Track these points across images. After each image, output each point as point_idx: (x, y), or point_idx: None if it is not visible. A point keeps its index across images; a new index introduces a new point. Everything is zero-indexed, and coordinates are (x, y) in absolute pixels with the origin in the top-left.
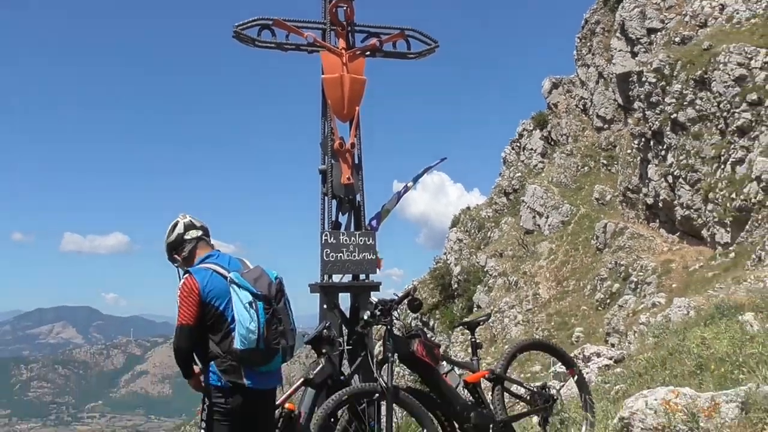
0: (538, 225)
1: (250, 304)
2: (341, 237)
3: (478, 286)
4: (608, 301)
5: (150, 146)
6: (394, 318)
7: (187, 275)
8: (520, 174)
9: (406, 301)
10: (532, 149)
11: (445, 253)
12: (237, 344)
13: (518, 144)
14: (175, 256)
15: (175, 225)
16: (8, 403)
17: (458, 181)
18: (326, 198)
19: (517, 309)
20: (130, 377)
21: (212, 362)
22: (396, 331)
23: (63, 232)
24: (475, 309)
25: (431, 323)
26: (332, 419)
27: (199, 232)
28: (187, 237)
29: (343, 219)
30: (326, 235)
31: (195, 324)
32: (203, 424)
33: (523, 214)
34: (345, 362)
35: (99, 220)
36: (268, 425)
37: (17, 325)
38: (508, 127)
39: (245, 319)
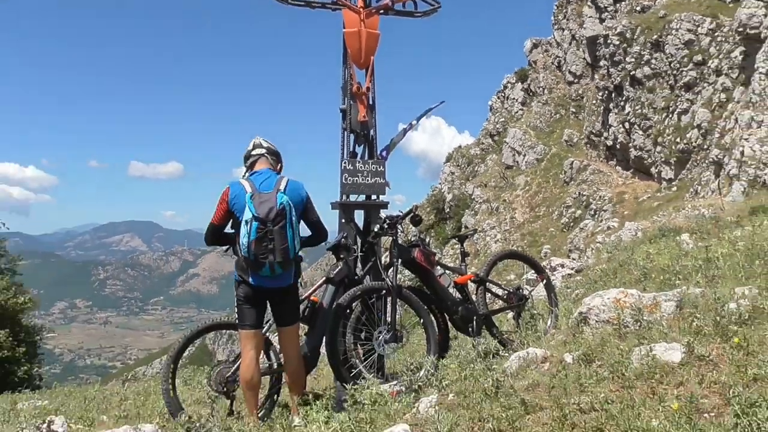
0: (517, 161)
1: (247, 222)
2: (357, 164)
3: (466, 210)
4: (571, 224)
5: (199, 90)
6: (398, 230)
7: (226, 186)
8: (503, 119)
9: (409, 217)
10: (514, 99)
11: (439, 184)
12: (241, 250)
13: (503, 94)
14: (245, 165)
15: (251, 142)
16: (90, 297)
17: (452, 124)
18: (345, 132)
19: (497, 229)
20: (184, 278)
21: (236, 258)
22: (400, 241)
23: (129, 160)
24: (463, 228)
25: (427, 240)
26: (348, 310)
27: (263, 151)
28: (252, 153)
29: (358, 150)
30: (345, 163)
31: (219, 224)
32: (236, 307)
33: (504, 152)
34: (359, 266)
35: (159, 151)
36: (283, 313)
37: (94, 235)
38: (494, 80)
39: (242, 232)
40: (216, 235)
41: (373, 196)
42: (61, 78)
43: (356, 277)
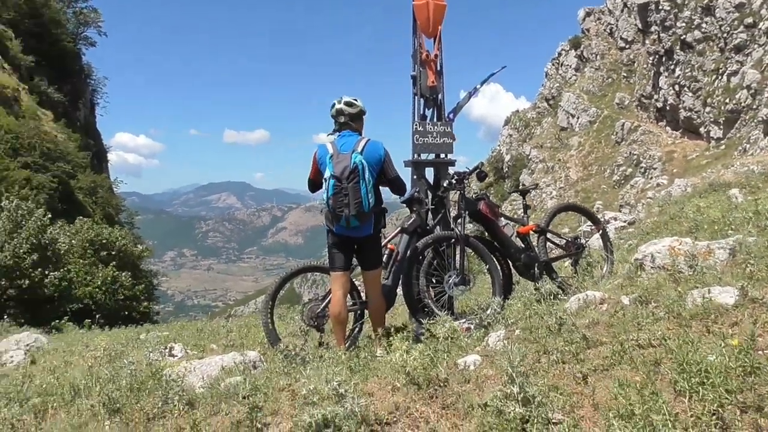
0: (571, 124)
1: (326, 179)
2: (427, 126)
3: (523, 169)
4: (622, 181)
5: (280, 62)
6: (465, 185)
7: (316, 148)
8: (557, 84)
9: (475, 173)
10: (568, 65)
11: (498, 146)
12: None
13: (557, 61)
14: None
15: (333, 106)
16: (194, 247)
17: (509, 90)
18: (416, 97)
19: (552, 187)
20: (274, 231)
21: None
22: (467, 195)
23: (224, 128)
24: (520, 186)
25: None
26: (421, 256)
27: (346, 118)
28: (337, 119)
29: (428, 113)
30: (416, 125)
31: (313, 178)
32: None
33: (559, 115)
34: (429, 217)
35: (248, 120)
36: (365, 259)
37: (197, 194)
38: (549, 48)
39: (324, 188)
40: (314, 186)
41: (442, 155)
42: (164, 58)
43: (427, 228)
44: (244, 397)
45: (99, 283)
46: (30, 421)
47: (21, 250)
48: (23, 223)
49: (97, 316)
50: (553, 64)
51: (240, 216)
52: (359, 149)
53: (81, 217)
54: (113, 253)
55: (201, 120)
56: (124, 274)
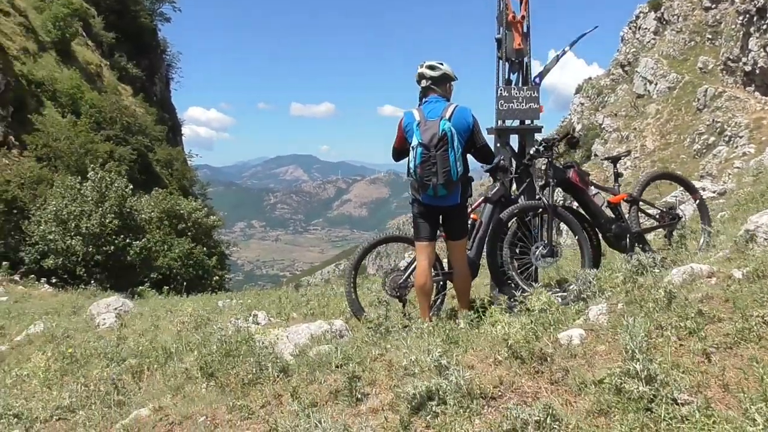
0: (648, 90)
1: (414, 147)
2: (512, 91)
3: (596, 139)
4: (704, 151)
5: (344, 32)
6: (554, 153)
7: (402, 114)
8: (634, 49)
9: (565, 139)
10: (646, 28)
11: (569, 114)
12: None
13: (634, 24)
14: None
15: (418, 72)
16: (263, 218)
17: (581, 57)
18: (501, 61)
19: (627, 157)
20: (339, 203)
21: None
22: (554, 163)
23: (290, 102)
24: (593, 157)
25: None
26: (505, 227)
27: (429, 83)
28: (421, 85)
29: (513, 77)
30: (501, 90)
31: (398, 147)
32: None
33: (636, 81)
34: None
35: (314, 93)
36: (451, 229)
37: (265, 167)
38: (624, 11)
39: (411, 157)
40: (399, 155)
41: (527, 121)
42: (234, 33)
43: (511, 197)
44: (337, 366)
45: (176, 255)
46: (129, 380)
47: (106, 219)
48: (107, 193)
49: (174, 284)
50: (629, 28)
51: (306, 188)
52: (447, 116)
53: (158, 189)
54: (189, 224)
55: (269, 94)
56: (198, 246)
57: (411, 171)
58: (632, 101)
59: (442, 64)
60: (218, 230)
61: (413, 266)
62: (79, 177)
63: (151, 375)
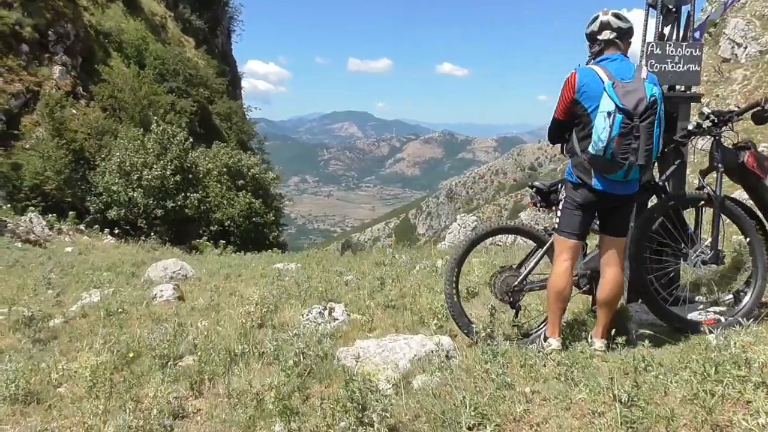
0: (736, 54)
1: (609, 114)
2: (667, 48)
3: None
4: None
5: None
6: (727, 129)
7: (572, 72)
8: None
9: (751, 112)
10: None
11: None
12: (589, 147)
13: None
14: (586, 46)
15: (594, 20)
16: (317, 174)
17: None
18: (650, 9)
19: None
20: (392, 161)
21: (571, 157)
22: (723, 143)
23: (348, 57)
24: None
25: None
26: (653, 222)
27: (613, 35)
28: (599, 37)
29: (666, 30)
30: (652, 47)
31: (564, 118)
32: (558, 209)
33: (722, 44)
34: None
35: (372, 49)
36: (616, 222)
37: (321, 123)
38: None
39: (599, 127)
40: (560, 131)
41: (682, 87)
42: None
43: (656, 184)
44: (469, 429)
45: (237, 210)
46: (185, 394)
47: (167, 172)
48: (168, 146)
49: (231, 238)
50: None
51: (360, 145)
52: (645, 77)
53: (218, 142)
54: (247, 180)
55: (327, 48)
56: (258, 201)
57: (595, 146)
58: (717, 66)
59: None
60: (275, 185)
61: (532, 264)
62: (142, 128)
63: (212, 388)
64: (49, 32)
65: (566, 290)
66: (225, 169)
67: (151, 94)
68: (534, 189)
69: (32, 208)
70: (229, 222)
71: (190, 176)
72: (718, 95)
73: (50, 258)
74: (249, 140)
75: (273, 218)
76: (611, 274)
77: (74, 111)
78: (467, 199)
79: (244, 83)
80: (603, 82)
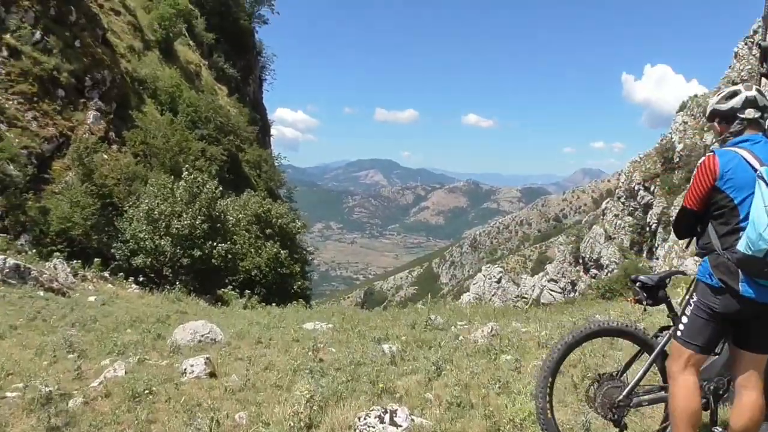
0: None
1: (764, 207)
2: None
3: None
4: None
5: (434, 41)
6: None
7: (709, 155)
8: (749, 66)
9: None
10: None
11: (670, 133)
12: (741, 246)
13: (751, 40)
14: (716, 124)
15: (734, 94)
16: (341, 220)
17: (679, 72)
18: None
19: None
20: (416, 210)
21: (708, 255)
22: None
23: (375, 107)
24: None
25: (652, 189)
26: None
27: (757, 114)
28: (741, 115)
29: None
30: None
31: (699, 210)
32: (684, 314)
33: None
34: None
35: (398, 100)
36: (761, 339)
37: (346, 170)
38: (733, 25)
39: (762, 222)
40: (692, 224)
41: None
42: (326, 36)
43: None
44: None
45: (264, 259)
46: None
47: (196, 221)
48: (198, 194)
49: (256, 288)
50: (745, 43)
51: (385, 193)
52: None
53: (249, 190)
54: (275, 230)
55: (355, 98)
56: (284, 252)
57: (758, 245)
58: None
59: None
60: (302, 235)
61: (640, 374)
62: (172, 176)
63: None
64: (86, 78)
65: (699, 411)
66: (254, 218)
67: (182, 141)
68: (638, 284)
69: (57, 253)
70: (255, 271)
71: (218, 225)
72: None
73: (73, 309)
74: (278, 188)
75: (298, 268)
76: (751, 398)
77: (105, 156)
78: (491, 249)
79: (272, 130)
80: (755, 169)
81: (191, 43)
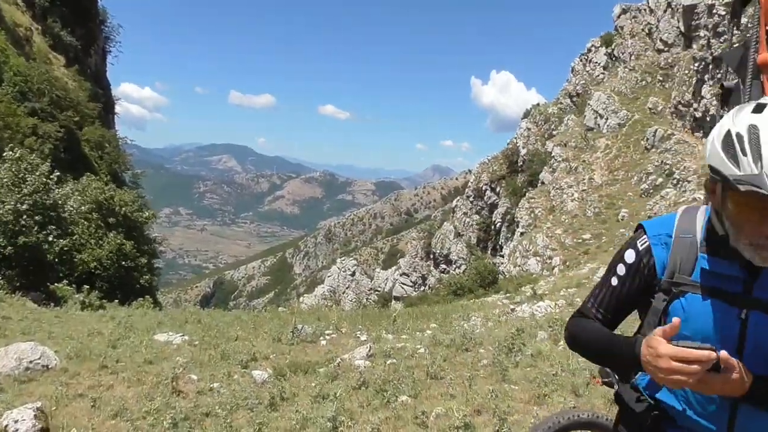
0: (599, 124)
1: None
2: None
3: (544, 167)
4: (651, 191)
5: (297, 31)
6: None
7: None
8: (584, 81)
9: None
10: (596, 62)
11: (515, 138)
12: None
13: (585, 57)
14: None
15: None
16: (190, 206)
17: (521, 80)
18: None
19: (575, 188)
20: (271, 198)
21: None
22: None
23: (230, 89)
24: (539, 184)
25: (498, 189)
26: None
27: None
28: None
29: None
30: None
31: None
32: None
33: (587, 114)
34: None
35: (255, 83)
36: None
37: (198, 154)
38: (570, 41)
39: None
40: None
41: None
42: (175, 9)
43: None
44: None
45: (106, 252)
46: None
47: (22, 207)
48: (27, 177)
49: (98, 283)
50: (580, 60)
51: (239, 180)
52: None
53: (89, 174)
54: (120, 219)
55: (208, 78)
56: (129, 243)
57: None
58: (582, 133)
59: None
60: (150, 225)
61: None
62: None
63: None
64: None
65: None
66: (95, 207)
67: (8, 115)
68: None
69: None
70: (95, 264)
71: (53, 214)
72: (584, 161)
73: None
74: (123, 172)
75: (145, 261)
76: None
77: None
78: (345, 241)
79: (117, 108)
80: None
81: (20, 2)
